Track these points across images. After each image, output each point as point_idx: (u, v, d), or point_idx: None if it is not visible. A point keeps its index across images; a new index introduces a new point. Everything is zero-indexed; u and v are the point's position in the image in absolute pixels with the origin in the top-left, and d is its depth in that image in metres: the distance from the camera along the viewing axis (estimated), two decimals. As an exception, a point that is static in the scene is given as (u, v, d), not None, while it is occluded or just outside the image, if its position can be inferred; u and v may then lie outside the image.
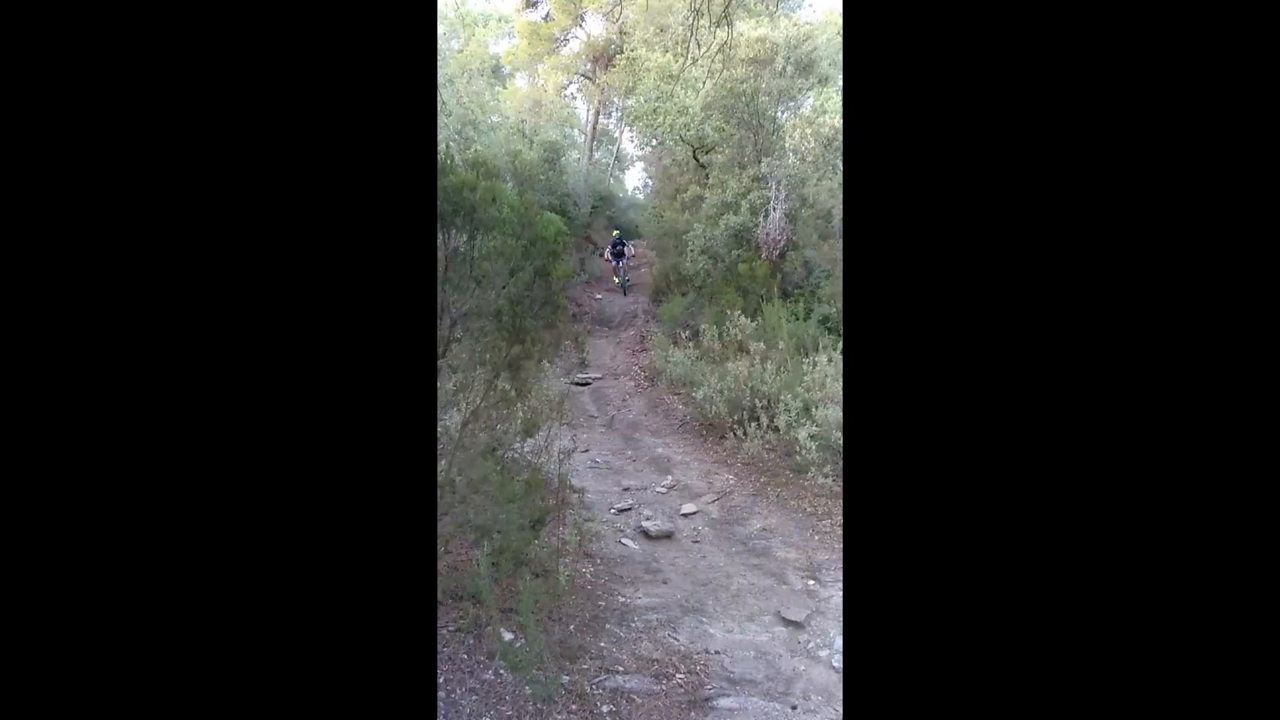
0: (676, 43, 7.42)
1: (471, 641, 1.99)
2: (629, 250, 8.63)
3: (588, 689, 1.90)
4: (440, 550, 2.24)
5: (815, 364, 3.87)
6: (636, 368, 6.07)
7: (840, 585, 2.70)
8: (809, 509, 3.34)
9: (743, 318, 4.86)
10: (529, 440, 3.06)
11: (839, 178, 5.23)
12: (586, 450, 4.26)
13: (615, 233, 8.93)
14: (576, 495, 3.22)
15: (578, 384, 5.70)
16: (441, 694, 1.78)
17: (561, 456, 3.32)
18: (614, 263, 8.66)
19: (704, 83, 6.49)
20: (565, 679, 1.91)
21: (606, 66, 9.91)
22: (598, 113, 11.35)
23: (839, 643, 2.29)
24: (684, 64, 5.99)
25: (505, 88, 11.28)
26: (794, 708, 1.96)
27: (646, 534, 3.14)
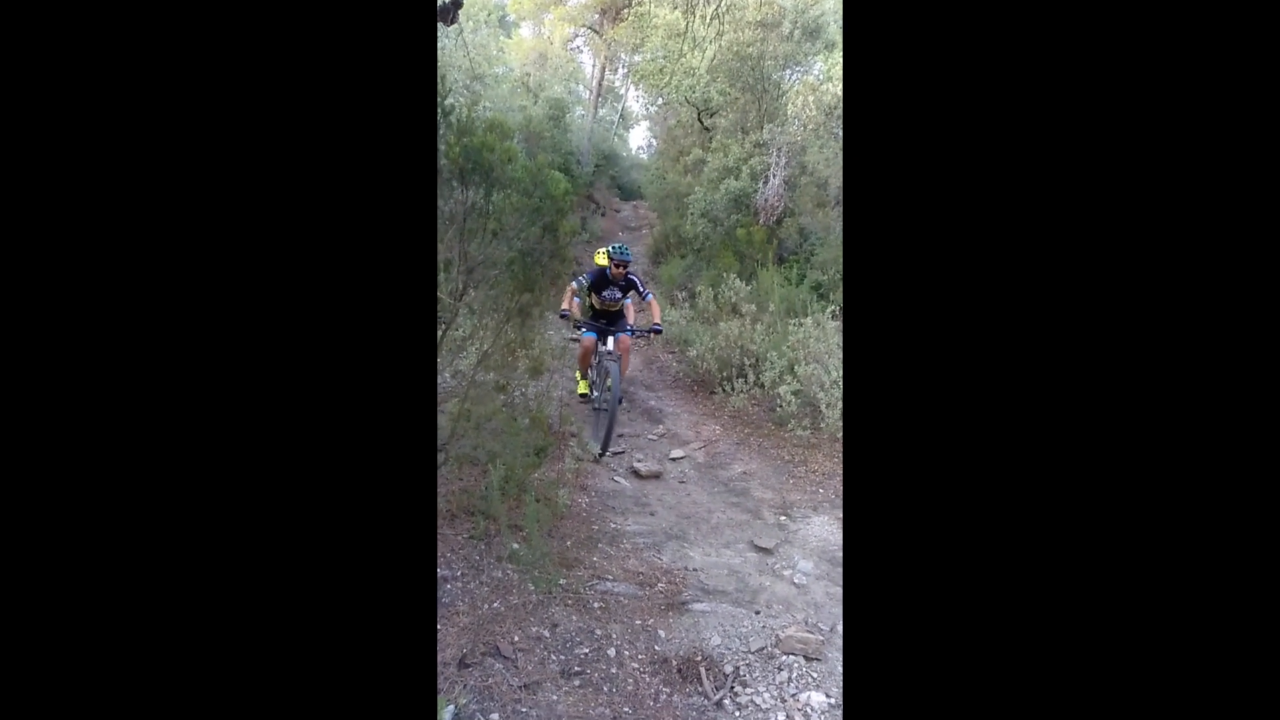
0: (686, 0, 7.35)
1: (483, 548, 2.31)
2: (643, 290, 3.55)
3: (582, 590, 2.22)
4: (455, 473, 2.54)
5: (801, 325, 4.12)
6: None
7: (807, 520, 3.02)
8: (786, 457, 3.65)
9: (738, 281, 5.07)
10: (532, 387, 3.33)
11: (838, 146, 5.35)
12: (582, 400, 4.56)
13: (612, 249, 3.56)
14: (575, 438, 3.51)
15: (577, 340, 5.94)
16: (459, 585, 2.10)
17: (561, 402, 3.61)
18: (593, 334, 3.56)
19: (711, 43, 6.49)
20: (562, 581, 2.24)
21: (614, 20, 9.75)
22: (604, 68, 11.20)
23: (802, 564, 2.62)
24: (691, 24, 5.98)
25: (510, 38, 11.09)
26: (757, 612, 2.29)
27: (637, 474, 3.44)
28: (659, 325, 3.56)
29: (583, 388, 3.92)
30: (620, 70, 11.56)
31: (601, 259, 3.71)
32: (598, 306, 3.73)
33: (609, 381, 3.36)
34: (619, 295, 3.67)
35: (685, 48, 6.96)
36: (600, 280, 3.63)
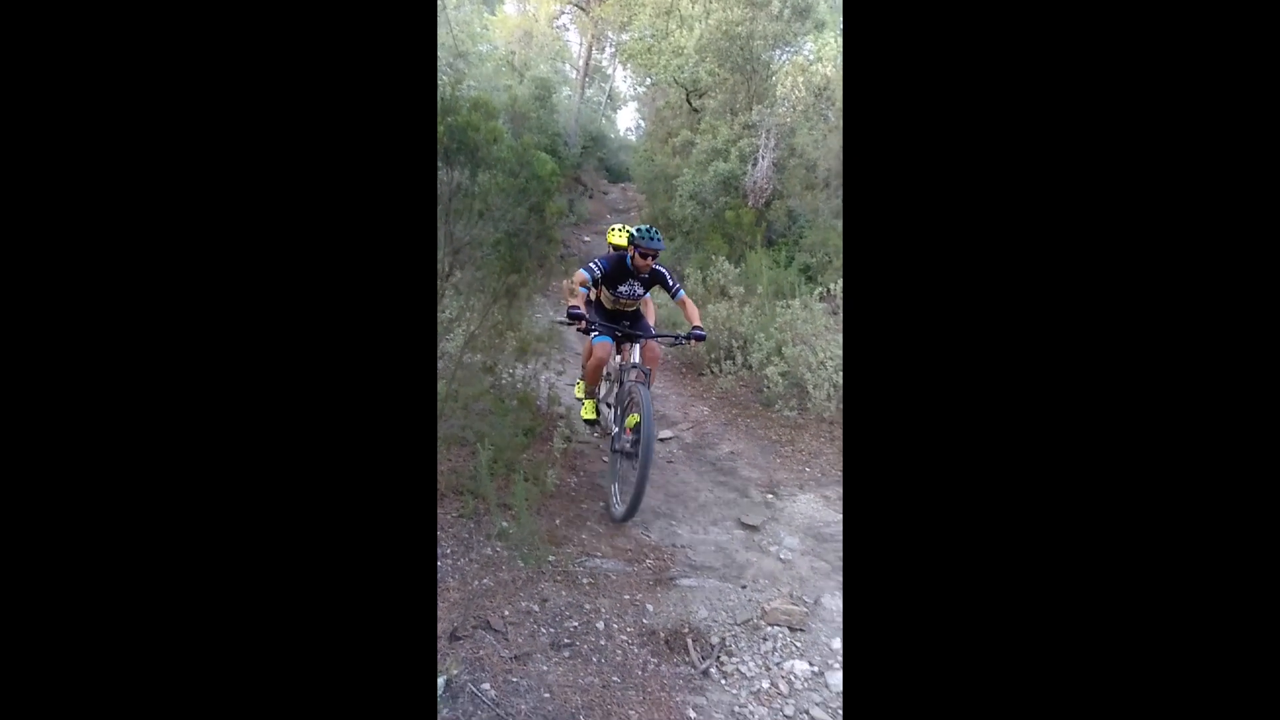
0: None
1: (473, 526, 2.33)
2: (673, 285, 2.65)
3: (571, 567, 2.26)
4: (443, 453, 2.55)
5: (789, 307, 4.15)
6: (623, 309, 6.30)
7: (794, 498, 3.08)
8: (774, 437, 3.70)
9: (726, 263, 5.08)
10: (519, 369, 3.34)
11: (827, 127, 5.34)
12: (572, 384, 4.57)
13: (639, 232, 2.56)
14: (563, 419, 3.53)
15: (563, 323, 5.93)
16: (449, 562, 2.12)
17: (549, 384, 3.62)
18: (607, 339, 2.67)
19: (699, 22, 6.42)
20: (551, 558, 2.27)
21: (601, -3, 9.58)
22: (591, 47, 11.02)
23: (788, 540, 2.68)
24: (679, 2, 5.90)
25: (495, 15, 10.86)
26: (744, 587, 2.35)
27: (626, 455, 3.48)
28: (700, 329, 2.55)
29: (589, 410, 2.88)
30: (608, 49, 11.39)
31: (617, 239, 2.93)
32: (609, 305, 2.75)
33: (634, 406, 2.34)
34: (640, 291, 2.72)
35: (673, 26, 6.87)
36: (618, 271, 2.61)
